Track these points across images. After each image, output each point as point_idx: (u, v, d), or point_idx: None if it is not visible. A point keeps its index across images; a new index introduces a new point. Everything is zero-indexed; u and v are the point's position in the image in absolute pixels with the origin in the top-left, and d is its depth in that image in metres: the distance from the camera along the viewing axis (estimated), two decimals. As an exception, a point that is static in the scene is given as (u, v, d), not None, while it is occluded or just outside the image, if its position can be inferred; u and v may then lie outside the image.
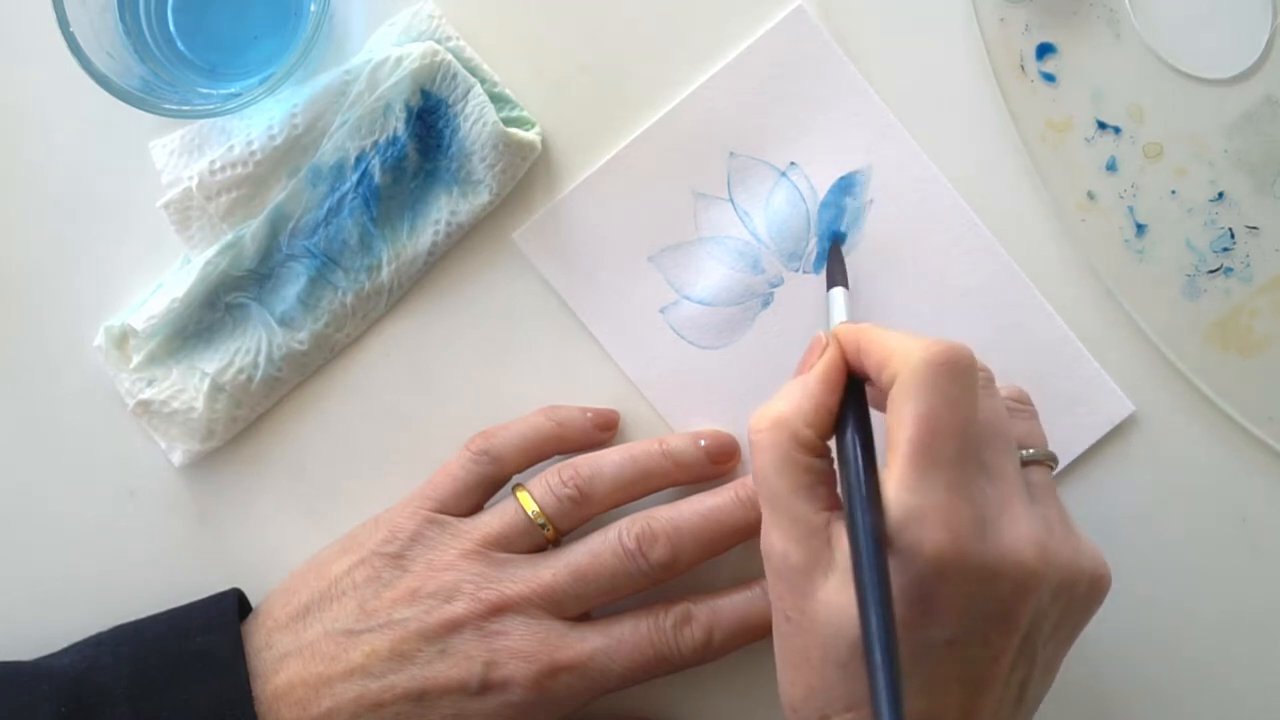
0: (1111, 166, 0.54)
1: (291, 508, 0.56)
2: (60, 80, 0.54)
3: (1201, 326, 0.54)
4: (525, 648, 0.50)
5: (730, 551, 0.53)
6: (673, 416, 0.55)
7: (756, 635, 0.52)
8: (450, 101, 0.54)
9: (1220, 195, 0.53)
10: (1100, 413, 0.54)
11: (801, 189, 0.55)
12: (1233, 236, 0.53)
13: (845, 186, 0.55)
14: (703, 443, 0.54)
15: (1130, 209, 0.54)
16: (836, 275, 0.53)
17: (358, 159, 0.54)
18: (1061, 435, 0.54)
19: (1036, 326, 0.54)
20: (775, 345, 0.55)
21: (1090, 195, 0.54)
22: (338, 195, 0.54)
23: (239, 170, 0.54)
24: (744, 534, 0.52)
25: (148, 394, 0.54)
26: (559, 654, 0.50)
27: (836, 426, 0.45)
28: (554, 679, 0.50)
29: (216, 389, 0.54)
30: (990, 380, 0.45)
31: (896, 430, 0.42)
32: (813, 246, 0.55)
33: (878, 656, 0.38)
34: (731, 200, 0.55)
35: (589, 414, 0.54)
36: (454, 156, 0.54)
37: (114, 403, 0.55)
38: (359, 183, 0.54)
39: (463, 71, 0.54)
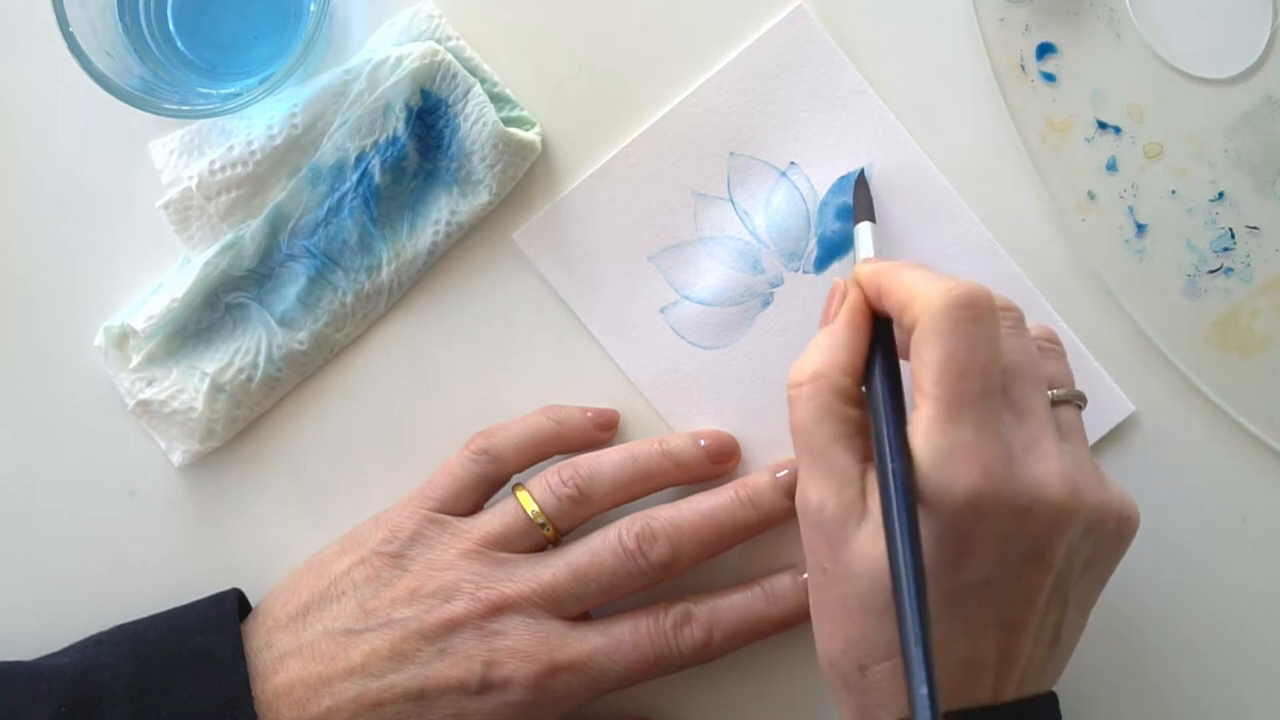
0: (1112, 166, 0.54)
1: (291, 507, 0.56)
2: (60, 80, 0.54)
3: (1202, 326, 0.54)
4: (525, 647, 0.50)
5: (731, 551, 0.53)
6: (673, 416, 0.55)
7: (757, 635, 0.52)
8: (450, 101, 0.54)
9: (1220, 195, 0.53)
10: (1101, 413, 0.54)
11: (802, 189, 0.55)
12: (1233, 236, 0.53)
13: (845, 186, 0.55)
14: (703, 443, 0.54)
15: (1130, 209, 0.54)
16: (862, 209, 0.53)
17: (358, 159, 0.54)
18: (1061, 436, 0.55)
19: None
20: (775, 345, 0.55)
21: (1090, 195, 0.54)
22: (338, 195, 0.54)
23: (239, 170, 0.54)
24: (744, 534, 0.52)
25: (147, 394, 0.54)
26: (559, 653, 0.50)
27: (865, 372, 0.46)
28: (554, 678, 0.50)
29: (216, 389, 0.54)
30: (1019, 319, 0.46)
31: (921, 374, 0.42)
32: (812, 246, 0.55)
33: (907, 605, 0.39)
34: (731, 200, 0.55)
35: (589, 414, 0.54)
36: (454, 156, 0.54)
37: (114, 403, 0.55)
38: (359, 183, 0.54)
39: (463, 71, 0.54)
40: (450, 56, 0.54)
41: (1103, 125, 0.54)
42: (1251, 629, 0.55)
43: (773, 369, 0.55)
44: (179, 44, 0.54)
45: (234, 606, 0.52)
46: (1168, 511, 0.55)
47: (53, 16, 0.48)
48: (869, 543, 0.43)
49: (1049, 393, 0.46)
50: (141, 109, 0.50)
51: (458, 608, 0.50)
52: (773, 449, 0.55)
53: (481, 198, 0.54)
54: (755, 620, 0.52)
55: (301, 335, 0.55)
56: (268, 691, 0.50)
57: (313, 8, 0.50)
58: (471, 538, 0.51)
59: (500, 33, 0.55)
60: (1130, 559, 0.54)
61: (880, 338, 0.46)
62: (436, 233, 0.54)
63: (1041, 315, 0.54)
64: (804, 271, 0.55)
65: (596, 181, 0.55)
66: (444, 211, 0.54)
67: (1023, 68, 0.54)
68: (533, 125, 0.55)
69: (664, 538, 0.51)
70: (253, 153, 0.54)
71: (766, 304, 0.55)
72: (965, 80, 0.55)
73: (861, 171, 0.54)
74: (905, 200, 0.55)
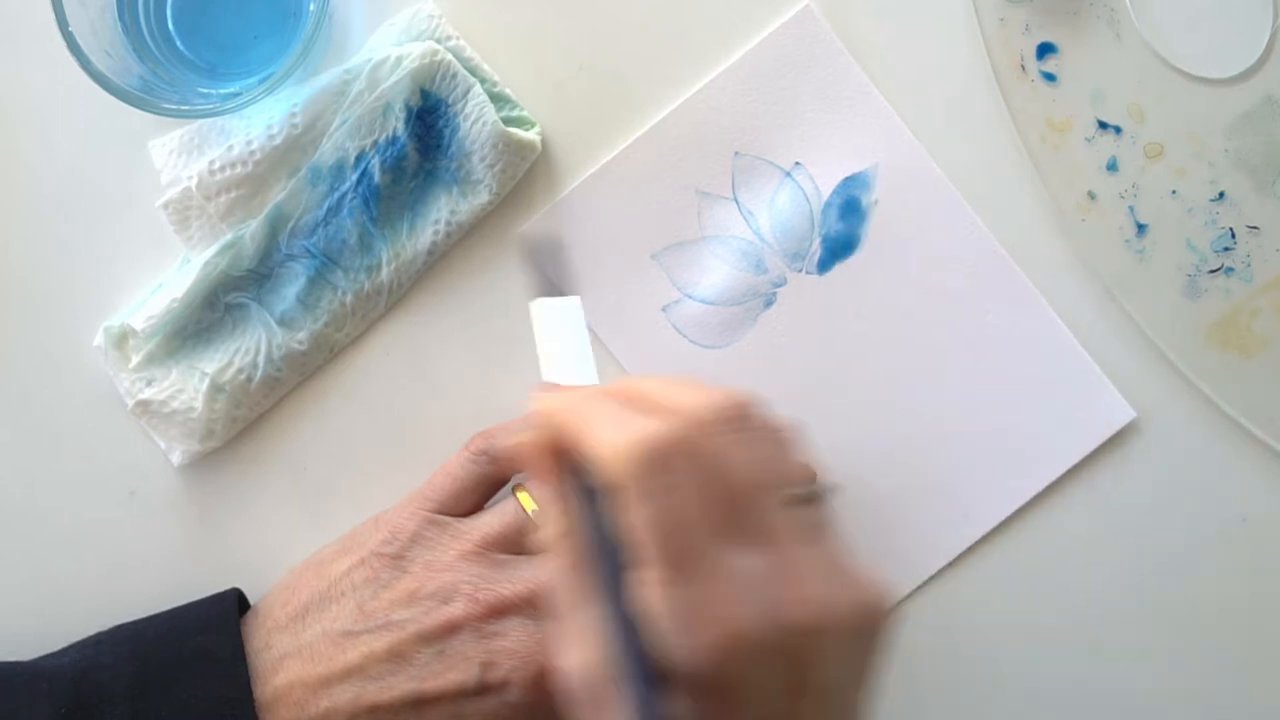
0: (1112, 166, 0.54)
1: (291, 507, 0.56)
2: (59, 80, 0.54)
3: (1202, 326, 0.54)
4: (523, 649, 0.49)
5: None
6: (674, 416, 0.55)
7: None
8: (450, 101, 0.54)
9: (1221, 195, 0.53)
10: (1101, 418, 0.54)
11: (806, 189, 0.55)
12: (1233, 236, 0.53)
13: (850, 187, 0.55)
14: None
15: (1131, 209, 0.54)
16: (549, 278, 0.46)
17: (357, 159, 0.54)
18: (1063, 439, 0.55)
19: (1039, 330, 0.55)
20: (777, 345, 0.55)
21: (1091, 195, 0.54)
22: (337, 195, 0.54)
23: (238, 170, 0.54)
24: None
25: (147, 394, 0.54)
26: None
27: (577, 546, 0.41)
28: (551, 679, 0.49)
29: (216, 389, 0.54)
30: (742, 419, 0.41)
31: (631, 536, 0.37)
32: (816, 247, 0.55)
33: None
34: (736, 199, 0.55)
35: None
36: (454, 156, 0.54)
37: (114, 403, 0.55)
38: (359, 182, 0.54)
39: (463, 71, 0.54)
40: (450, 56, 0.54)
41: (1103, 125, 0.54)
42: (1252, 629, 0.55)
43: (774, 369, 0.55)
44: (178, 44, 0.54)
45: (234, 606, 0.52)
46: (1168, 511, 0.55)
47: (52, 16, 0.48)
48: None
49: (789, 495, 0.41)
50: (141, 109, 0.50)
51: (456, 610, 0.50)
52: (773, 449, 0.55)
53: (481, 197, 0.54)
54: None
55: (301, 335, 0.55)
56: (267, 693, 0.50)
57: (312, 7, 0.50)
58: (471, 539, 0.51)
59: (500, 32, 0.55)
60: (1131, 558, 0.55)
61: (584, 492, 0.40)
62: (436, 232, 0.54)
63: (1044, 318, 0.54)
64: (807, 272, 0.55)
65: (600, 179, 0.55)
66: (444, 211, 0.54)
67: (1023, 68, 0.54)
68: (533, 125, 0.55)
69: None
70: (252, 153, 0.54)
71: (769, 304, 0.55)
72: (966, 80, 0.55)
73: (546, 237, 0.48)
74: (908, 201, 0.55)
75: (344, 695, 0.49)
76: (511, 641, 0.50)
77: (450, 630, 0.49)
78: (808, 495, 0.42)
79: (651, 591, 0.37)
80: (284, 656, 0.50)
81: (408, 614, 0.50)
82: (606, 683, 0.38)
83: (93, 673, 0.49)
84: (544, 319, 0.45)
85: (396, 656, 0.49)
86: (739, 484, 0.39)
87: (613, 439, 0.37)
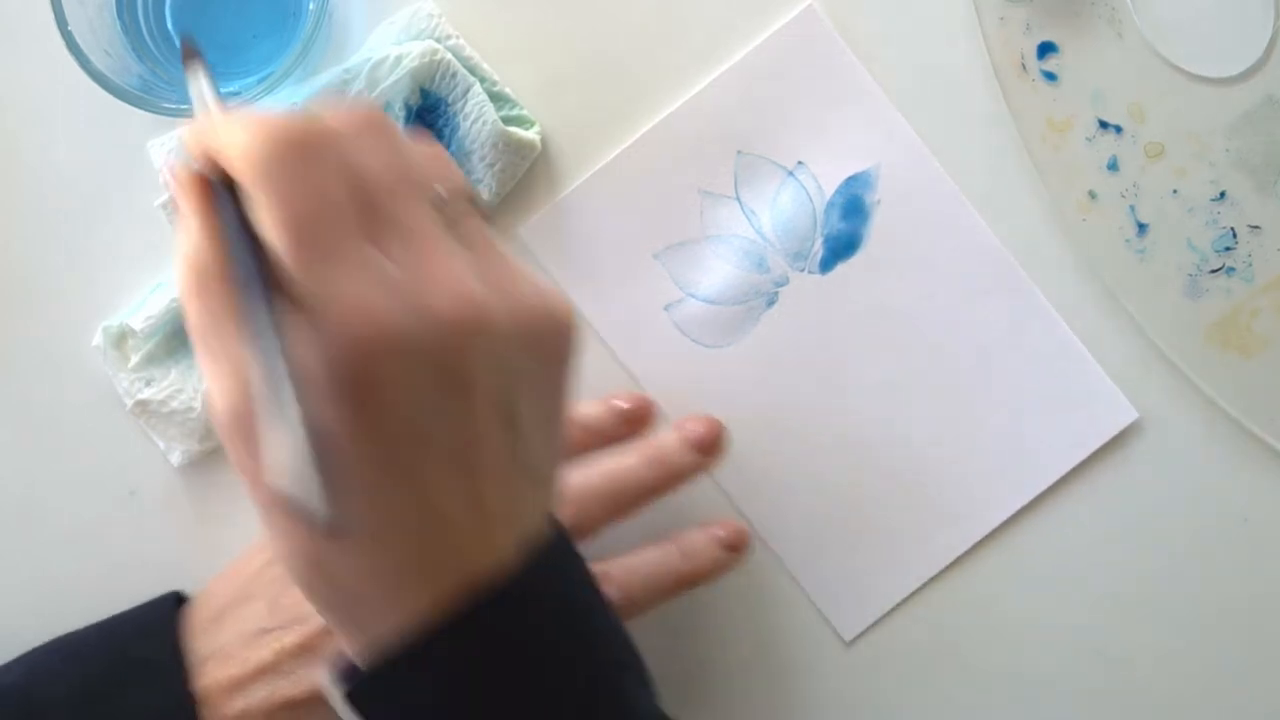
0: (1113, 166, 0.54)
1: (291, 508, 0.56)
2: (59, 79, 0.54)
3: (1203, 326, 0.54)
4: None
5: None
6: (675, 414, 0.55)
7: (673, 590, 0.52)
8: (450, 100, 0.54)
9: (1222, 195, 0.53)
10: (1103, 418, 0.54)
11: (809, 188, 0.55)
12: (1234, 236, 0.53)
13: (852, 186, 0.55)
14: (616, 402, 0.53)
15: (1131, 208, 0.54)
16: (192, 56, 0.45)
17: (357, 158, 0.53)
18: (1064, 439, 0.55)
19: (1040, 330, 0.55)
20: (779, 344, 0.55)
21: (1091, 195, 0.54)
22: (337, 194, 0.54)
23: (238, 169, 0.54)
24: (651, 493, 0.52)
25: (146, 394, 0.54)
26: None
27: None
28: None
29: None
30: (377, 128, 0.39)
31: (267, 231, 0.36)
32: (818, 246, 0.55)
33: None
34: (738, 199, 0.55)
35: None
36: (453, 155, 0.54)
37: (114, 403, 0.55)
38: (358, 182, 0.54)
39: (462, 70, 0.54)
40: (450, 55, 0.54)
41: (1104, 124, 0.54)
42: (1253, 629, 0.55)
43: (776, 369, 0.55)
44: (177, 43, 0.54)
45: (171, 612, 0.51)
46: (1168, 511, 0.55)
47: (51, 16, 0.48)
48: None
49: (438, 191, 0.40)
50: (140, 108, 0.50)
51: None
52: (771, 448, 0.55)
53: (481, 197, 0.54)
54: (670, 575, 0.52)
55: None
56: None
57: (312, 7, 0.50)
58: None
59: (500, 31, 0.55)
60: (1131, 558, 0.55)
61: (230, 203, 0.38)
62: (436, 232, 0.54)
63: (1045, 319, 0.54)
64: (809, 271, 0.55)
65: (603, 178, 0.55)
66: (444, 211, 0.54)
67: (1024, 67, 0.54)
68: (532, 124, 0.55)
69: (568, 501, 0.49)
70: (251, 152, 0.54)
71: (771, 303, 0.55)
72: (966, 80, 0.55)
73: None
74: (911, 200, 0.55)
75: (258, 694, 0.49)
76: None
77: None
78: (464, 204, 0.41)
79: (290, 290, 0.36)
80: (203, 660, 0.50)
81: None
82: (254, 412, 0.36)
83: (37, 687, 0.49)
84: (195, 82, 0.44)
85: (307, 650, 0.49)
86: (380, 180, 0.38)
87: (242, 135, 0.36)
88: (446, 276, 0.37)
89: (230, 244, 0.37)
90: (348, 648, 0.39)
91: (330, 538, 0.37)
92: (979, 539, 0.55)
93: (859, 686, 0.56)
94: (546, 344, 0.40)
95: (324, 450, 0.34)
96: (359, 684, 0.39)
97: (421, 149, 0.41)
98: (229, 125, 0.37)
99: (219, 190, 0.38)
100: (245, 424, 0.37)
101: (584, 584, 0.43)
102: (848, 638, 0.55)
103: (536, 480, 0.41)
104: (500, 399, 0.39)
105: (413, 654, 0.38)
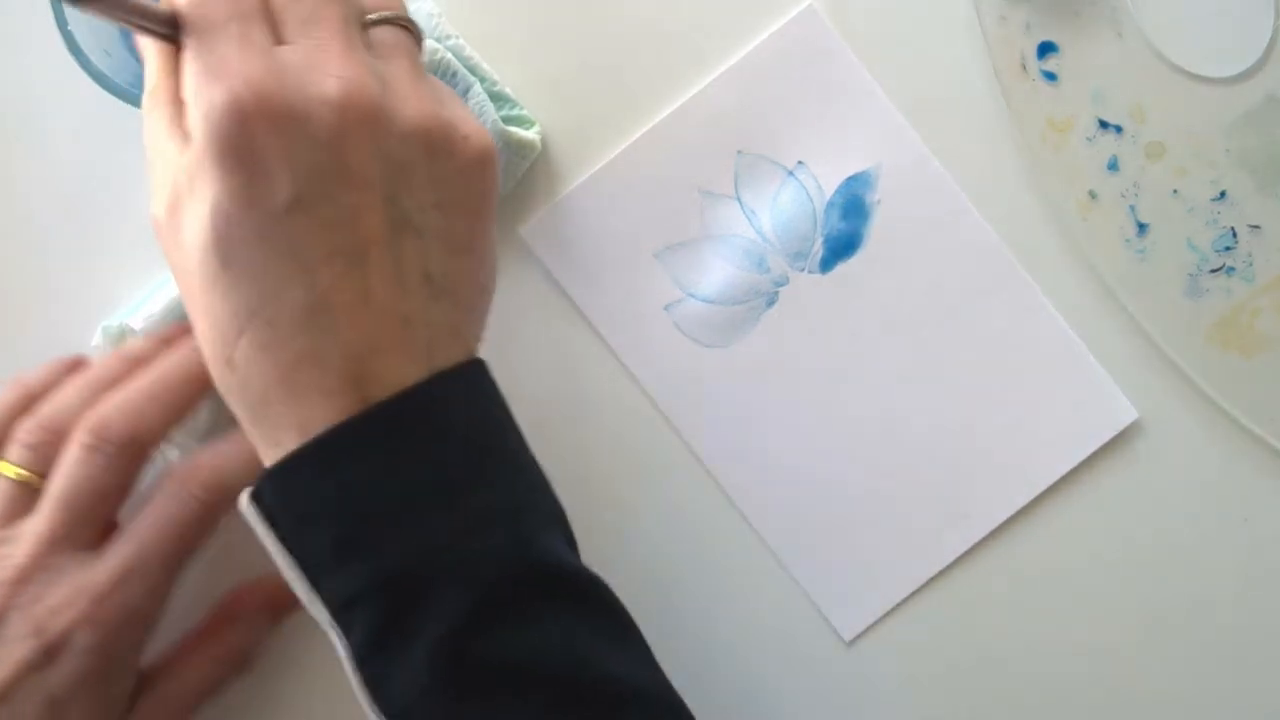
0: (1113, 166, 0.54)
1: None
2: (58, 79, 0.54)
3: (1203, 326, 0.54)
4: (61, 598, 0.47)
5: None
6: (676, 413, 0.55)
7: (248, 472, 0.50)
8: (450, 100, 0.54)
9: (1222, 194, 0.53)
10: (1104, 418, 0.54)
11: (809, 188, 0.55)
12: (1234, 236, 0.53)
13: (853, 186, 0.55)
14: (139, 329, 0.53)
15: (1132, 208, 0.54)
16: None
17: (357, 158, 0.53)
18: (1065, 439, 0.55)
19: (1041, 329, 0.55)
20: (779, 344, 0.55)
21: (1091, 195, 0.54)
22: (337, 194, 0.54)
23: (237, 169, 0.54)
24: (199, 384, 0.51)
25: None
26: (95, 583, 0.48)
27: None
28: (105, 606, 0.48)
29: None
30: None
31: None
32: (818, 246, 0.55)
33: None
34: (738, 199, 0.55)
35: (56, 363, 0.53)
36: (453, 155, 0.54)
37: (113, 403, 0.55)
38: (358, 182, 0.53)
39: (462, 70, 0.54)
40: (450, 55, 0.54)
41: (1104, 124, 0.54)
42: (1253, 629, 0.55)
43: (776, 368, 0.55)
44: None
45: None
46: (1168, 511, 0.55)
47: (51, 15, 0.48)
48: (188, 211, 0.40)
49: (368, 16, 0.43)
50: (140, 107, 0.50)
51: None
52: (771, 447, 0.55)
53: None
54: (240, 458, 0.50)
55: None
56: None
57: (312, 6, 0.50)
58: None
59: (500, 31, 0.55)
60: (1131, 558, 0.55)
61: None
62: (436, 232, 0.54)
63: (1046, 319, 0.54)
64: (809, 271, 0.55)
65: (603, 177, 0.55)
66: (444, 211, 0.54)
67: (1024, 67, 0.54)
68: (533, 124, 0.55)
69: (116, 415, 0.49)
70: (251, 152, 0.54)
71: (771, 303, 0.55)
72: (967, 80, 0.55)
73: None
74: (911, 200, 0.55)
75: None
76: (50, 596, 0.48)
77: None
78: (389, 19, 0.43)
79: (186, 51, 0.40)
80: None
81: None
82: (178, 205, 0.40)
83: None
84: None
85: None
86: None
87: None
88: (342, 67, 0.40)
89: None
90: (265, 461, 0.41)
91: None
92: (979, 539, 0.55)
93: (859, 686, 0.56)
94: (452, 161, 0.42)
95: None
96: (258, 484, 0.40)
97: None
98: None
99: None
100: (157, 225, 0.41)
101: (494, 408, 0.43)
102: (848, 638, 0.55)
103: (438, 291, 0.42)
104: (390, 196, 0.40)
105: (306, 452, 0.40)
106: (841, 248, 0.55)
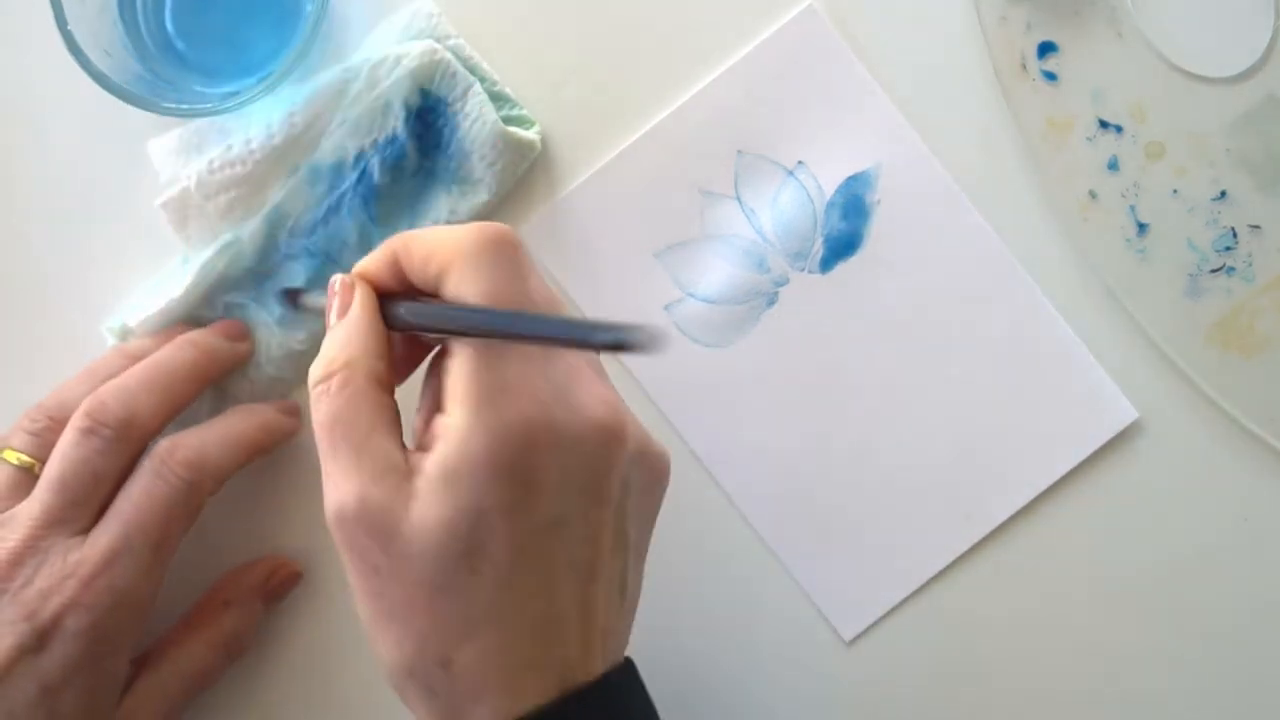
0: (1113, 166, 0.54)
1: (292, 507, 0.56)
2: (58, 79, 0.54)
3: (1203, 326, 0.54)
4: (53, 582, 0.48)
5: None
6: (676, 414, 0.55)
7: (249, 448, 0.52)
8: (449, 100, 0.54)
9: (1222, 194, 0.53)
10: (1104, 418, 0.54)
11: (809, 188, 0.55)
12: (1235, 236, 0.53)
13: (853, 186, 0.55)
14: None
15: (1132, 208, 0.54)
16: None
17: (356, 158, 0.53)
18: (1065, 439, 0.55)
19: (1041, 330, 0.55)
20: (780, 344, 0.55)
21: (1092, 194, 0.54)
22: (337, 194, 0.54)
23: (237, 169, 0.54)
24: (196, 373, 0.52)
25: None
26: (83, 565, 0.48)
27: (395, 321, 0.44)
28: (94, 588, 0.48)
29: (216, 390, 0.54)
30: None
31: (458, 320, 0.41)
32: (818, 246, 0.55)
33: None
34: (738, 199, 0.55)
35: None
36: (453, 155, 0.54)
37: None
38: (358, 182, 0.54)
39: (462, 70, 0.54)
40: (449, 55, 0.54)
41: (1104, 124, 0.54)
42: (1253, 629, 0.55)
43: (776, 368, 0.55)
44: (177, 43, 0.54)
45: None
46: (1168, 511, 0.55)
47: (51, 15, 0.48)
48: (425, 513, 0.40)
49: None
50: (140, 108, 0.50)
51: None
52: (771, 447, 0.55)
53: (481, 196, 0.54)
54: (240, 433, 0.52)
55: (301, 335, 0.54)
56: None
57: (311, 7, 0.50)
58: None
59: (500, 31, 0.55)
60: (1131, 558, 0.55)
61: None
62: (436, 232, 0.54)
63: (1046, 319, 0.54)
64: (809, 271, 0.55)
65: (603, 177, 0.55)
66: (443, 211, 0.54)
67: (1024, 67, 0.54)
68: (532, 124, 0.55)
69: (112, 400, 0.50)
70: (251, 152, 0.54)
71: (771, 303, 0.55)
72: (967, 79, 0.55)
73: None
74: (911, 200, 0.55)
75: None
76: (41, 580, 0.48)
77: None
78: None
79: (473, 364, 0.40)
80: None
81: None
82: (389, 508, 0.40)
83: None
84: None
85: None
86: (545, 299, 0.43)
87: (457, 231, 0.42)
88: (599, 387, 0.42)
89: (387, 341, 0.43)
90: None
91: None
92: (979, 539, 0.55)
93: (859, 686, 0.56)
94: (652, 475, 0.44)
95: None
96: None
97: None
98: (429, 231, 0.43)
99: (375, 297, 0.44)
100: (379, 517, 0.40)
101: (649, 709, 0.45)
102: (848, 638, 0.55)
103: (629, 605, 0.44)
104: (619, 514, 0.43)
105: None
106: (841, 248, 0.55)
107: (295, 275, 0.54)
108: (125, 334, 0.54)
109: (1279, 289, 0.53)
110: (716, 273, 0.55)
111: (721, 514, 0.55)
